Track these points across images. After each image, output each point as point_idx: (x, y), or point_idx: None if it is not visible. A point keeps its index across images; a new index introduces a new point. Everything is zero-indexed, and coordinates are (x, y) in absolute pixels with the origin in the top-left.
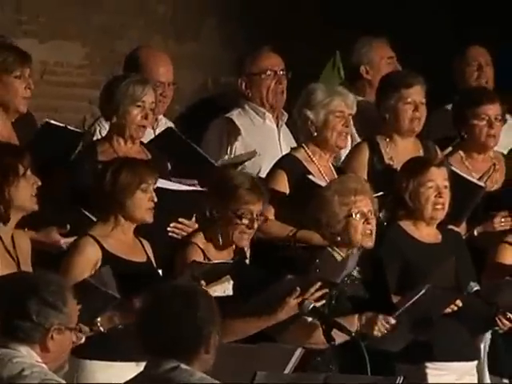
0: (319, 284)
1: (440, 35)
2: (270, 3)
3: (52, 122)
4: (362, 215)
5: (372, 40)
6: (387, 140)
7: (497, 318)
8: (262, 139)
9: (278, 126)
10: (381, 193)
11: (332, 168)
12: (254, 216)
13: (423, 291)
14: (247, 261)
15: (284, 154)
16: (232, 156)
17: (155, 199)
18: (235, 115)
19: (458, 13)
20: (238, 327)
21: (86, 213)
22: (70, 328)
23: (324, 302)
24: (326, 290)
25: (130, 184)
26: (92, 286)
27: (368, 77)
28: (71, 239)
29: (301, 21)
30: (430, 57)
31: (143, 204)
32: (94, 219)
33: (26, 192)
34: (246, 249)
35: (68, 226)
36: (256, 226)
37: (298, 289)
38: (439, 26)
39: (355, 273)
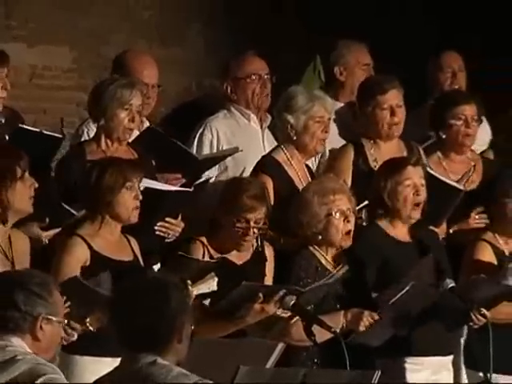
0: (283, 291)
1: (423, 42)
2: (253, 9)
3: (26, 127)
4: (342, 214)
5: (352, 44)
6: (372, 142)
7: (472, 314)
8: (246, 140)
9: (261, 127)
10: (366, 202)
11: (306, 170)
12: (251, 224)
13: (407, 288)
14: (267, 263)
15: (264, 155)
16: (214, 151)
17: (140, 197)
18: (221, 116)
19: (442, 20)
20: (211, 329)
21: (66, 207)
22: (58, 321)
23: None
24: (294, 297)
25: (116, 183)
26: (83, 284)
27: (341, 78)
28: (52, 232)
29: (283, 26)
30: (412, 64)
31: (129, 202)
32: (75, 213)
33: (23, 195)
34: (266, 253)
35: (47, 220)
36: (252, 233)
37: (261, 295)
38: (422, 34)
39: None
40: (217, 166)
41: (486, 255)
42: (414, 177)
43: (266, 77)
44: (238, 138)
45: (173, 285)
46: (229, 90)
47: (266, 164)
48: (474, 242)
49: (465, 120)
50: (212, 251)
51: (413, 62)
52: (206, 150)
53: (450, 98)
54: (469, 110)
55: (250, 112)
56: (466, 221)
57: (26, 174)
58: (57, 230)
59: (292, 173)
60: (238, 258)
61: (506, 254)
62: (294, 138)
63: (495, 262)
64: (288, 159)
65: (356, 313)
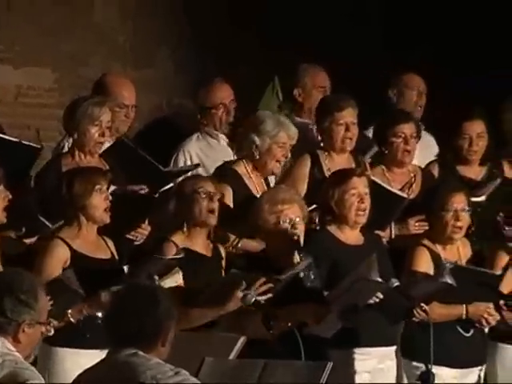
0: (263, 279)
1: (378, 58)
2: (218, 32)
3: (4, 136)
4: (290, 221)
5: (310, 67)
6: (326, 154)
7: (414, 310)
8: (218, 158)
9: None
10: (314, 205)
11: (264, 184)
12: (212, 192)
13: (354, 284)
14: (223, 261)
15: (226, 165)
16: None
17: (110, 198)
18: (194, 139)
19: (396, 35)
20: (193, 317)
21: (42, 219)
22: (40, 322)
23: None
24: (271, 285)
25: (86, 188)
26: (63, 283)
27: (299, 99)
28: (28, 241)
29: (245, 47)
30: (366, 78)
31: (100, 204)
32: (50, 226)
33: None
34: (221, 251)
35: (23, 229)
36: (216, 200)
37: (244, 282)
38: (377, 49)
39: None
40: None
41: (424, 259)
42: (359, 186)
43: (230, 103)
44: (209, 157)
45: (162, 292)
46: (199, 116)
47: (228, 175)
48: (413, 246)
49: (404, 138)
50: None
51: (371, 79)
52: None
53: (391, 117)
54: (408, 128)
55: (218, 133)
56: (407, 227)
57: (1, 187)
58: (33, 240)
59: (251, 185)
60: (204, 250)
61: (443, 258)
62: (257, 157)
63: (432, 265)
64: (248, 172)
65: (311, 307)
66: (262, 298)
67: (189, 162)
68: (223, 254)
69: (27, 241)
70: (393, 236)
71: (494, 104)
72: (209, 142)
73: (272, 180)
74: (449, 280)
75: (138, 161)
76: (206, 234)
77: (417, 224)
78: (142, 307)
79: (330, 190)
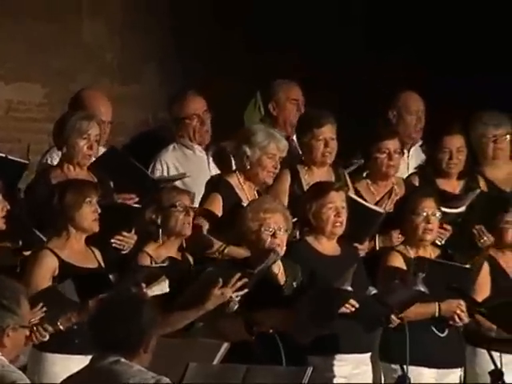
0: (239, 274)
1: (360, 59)
2: (202, 51)
3: None
4: (272, 230)
5: (283, 82)
6: (306, 169)
7: (390, 317)
8: (194, 168)
9: (207, 155)
10: (296, 219)
11: (257, 195)
12: (188, 206)
13: (325, 293)
14: (191, 267)
15: (218, 176)
16: (166, 175)
17: (99, 210)
18: (170, 150)
19: (378, 36)
20: (174, 319)
21: (38, 233)
22: (23, 326)
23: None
24: (246, 280)
25: (77, 200)
26: (58, 292)
27: (274, 113)
28: (26, 253)
29: (227, 61)
30: (347, 79)
31: (89, 215)
32: (44, 239)
33: None
34: (190, 259)
35: (20, 242)
36: (192, 213)
37: (221, 280)
38: (359, 50)
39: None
40: None
41: (397, 263)
42: (336, 201)
43: (204, 114)
44: (185, 168)
45: (147, 302)
46: (175, 128)
47: (220, 185)
48: (387, 252)
49: (388, 154)
50: (158, 260)
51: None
52: None
53: (376, 133)
54: (392, 144)
55: (193, 144)
56: (391, 239)
57: (0, 197)
58: (29, 252)
59: (242, 195)
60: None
61: (413, 257)
62: (248, 167)
63: (405, 269)
64: (240, 183)
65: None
66: (239, 294)
67: (165, 173)
68: (192, 262)
69: (25, 253)
70: (377, 248)
71: (476, 106)
72: (184, 153)
73: None
74: (422, 288)
75: (127, 169)
76: (179, 243)
77: (400, 236)
78: (129, 315)
79: (308, 203)
